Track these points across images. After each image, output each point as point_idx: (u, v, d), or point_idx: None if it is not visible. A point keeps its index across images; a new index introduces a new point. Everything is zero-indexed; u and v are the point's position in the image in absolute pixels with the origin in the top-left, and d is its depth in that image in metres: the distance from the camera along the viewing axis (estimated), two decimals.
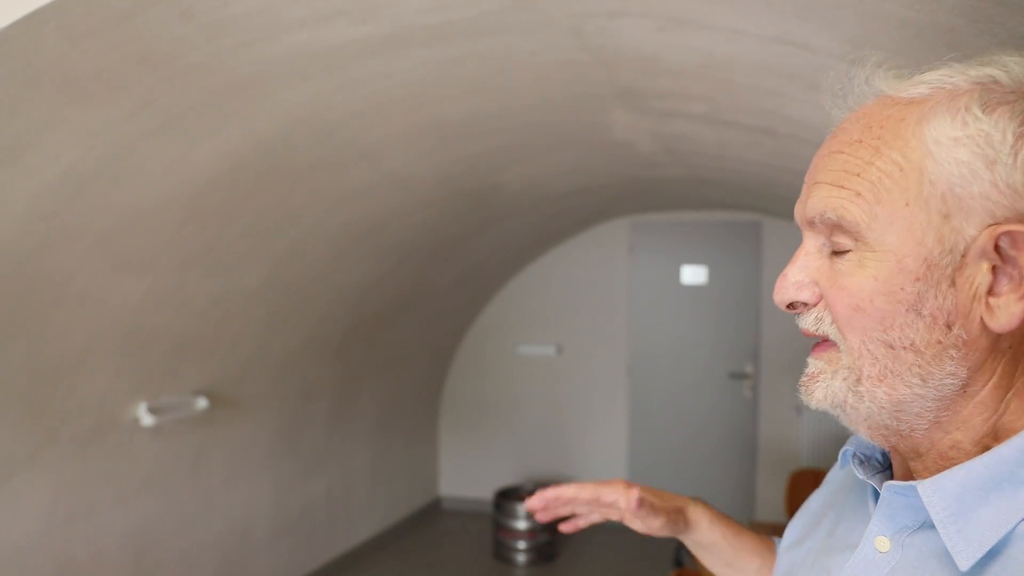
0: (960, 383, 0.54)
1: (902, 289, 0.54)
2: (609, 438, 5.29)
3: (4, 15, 1.27)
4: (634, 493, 0.88)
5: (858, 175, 0.56)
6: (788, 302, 0.62)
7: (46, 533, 2.53)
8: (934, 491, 0.55)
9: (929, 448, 0.58)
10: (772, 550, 0.91)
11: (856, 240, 0.57)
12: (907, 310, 0.54)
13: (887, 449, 0.64)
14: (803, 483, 3.45)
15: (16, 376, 2.23)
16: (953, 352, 0.53)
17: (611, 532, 5.07)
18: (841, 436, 4.81)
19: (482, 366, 5.49)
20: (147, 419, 2.75)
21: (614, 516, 0.92)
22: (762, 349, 5.00)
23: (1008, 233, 0.50)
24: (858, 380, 0.58)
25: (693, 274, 5.13)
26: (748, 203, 4.36)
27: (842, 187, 0.57)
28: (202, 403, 3.01)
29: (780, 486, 4.94)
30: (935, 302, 0.53)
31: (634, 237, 5.21)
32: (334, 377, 3.99)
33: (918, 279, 0.53)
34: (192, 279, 2.60)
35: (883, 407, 0.57)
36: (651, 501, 0.89)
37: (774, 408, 4.98)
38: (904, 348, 0.55)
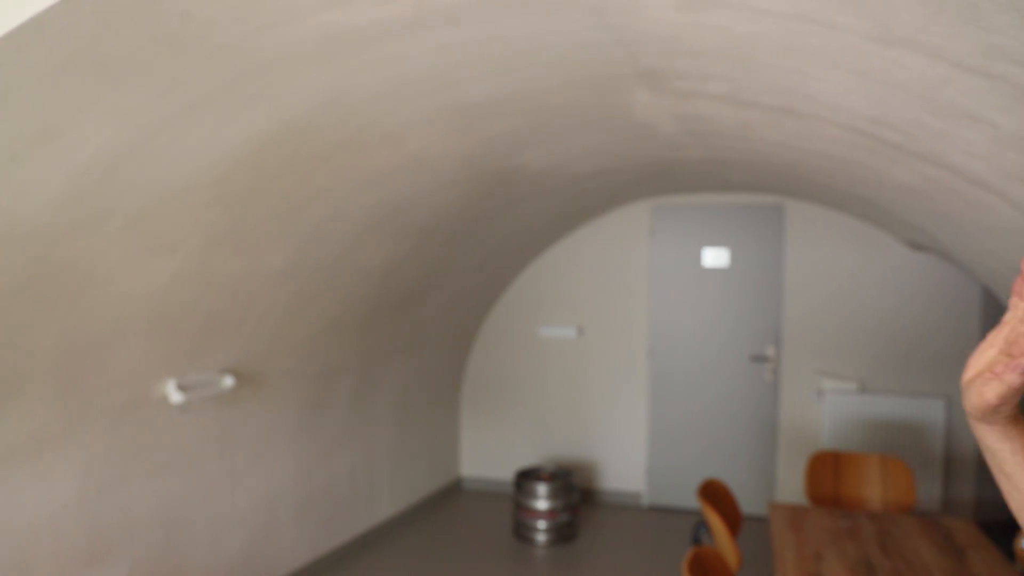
0: None
1: None
2: (629, 420, 5.31)
3: None
4: None
5: None
6: None
7: (79, 504, 2.60)
8: None
9: None
10: None
11: None
12: None
13: None
14: (823, 465, 3.45)
15: (50, 353, 2.30)
16: None
17: (630, 512, 5.10)
18: (863, 420, 4.80)
19: (503, 347, 5.53)
20: (176, 396, 2.82)
21: None
22: (783, 332, 4.99)
23: None
24: None
25: (715, 257, 5.12)
26: (771, 185, 4.33)
27: None
28: (228, 381, 3.07)
29: (800, 469, 4.94)
30: None
31: (656, 219, 5.20)
32: (357, 357, 4.05)
33: None
34: (219, 259, 2.65)
35: None
36: None
37: (795, 391, 4.98)
38: None
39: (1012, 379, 0.69)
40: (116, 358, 2.56)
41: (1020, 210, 1.96)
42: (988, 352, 0.73)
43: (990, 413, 0.73)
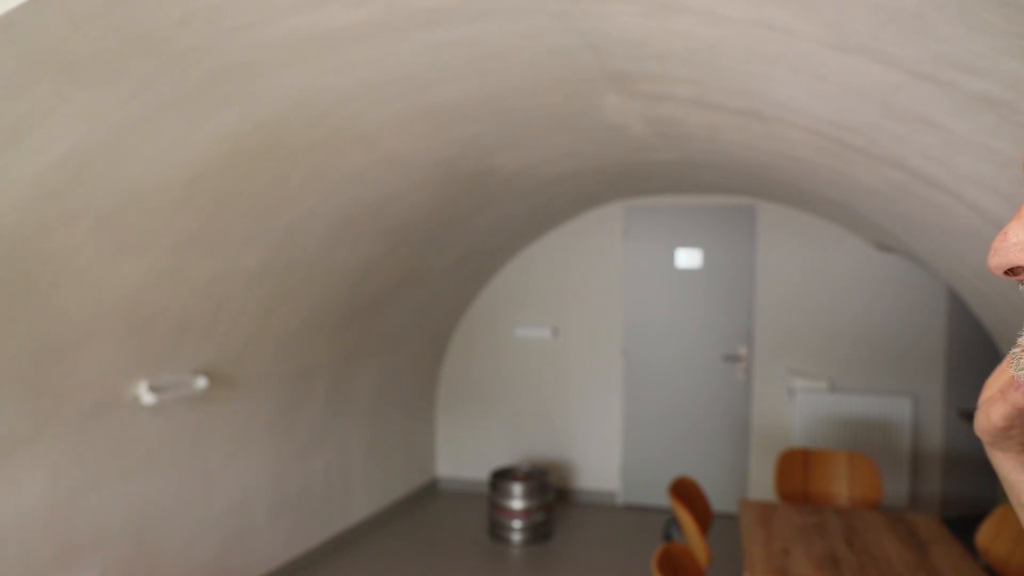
0: None
1: None
2: (604, 419, 5.36)
3: None
4: None
5: None
6: (1008, 266, 0.51)
7: (49, 509, 2.59)
8: None
9: None
10: None
11: None
12: None
13: None
14: (792, 463, 3.51)
15: (19, 354, 2.28)
16: None
17: (605, 511, 5.15)
18: (833, 419, 4.88)
19: (479, 348, 5.55)
20: (148, 397, 2.81)
21: None
22: (755, 332, 5.06)
23: None
24: None
25: (688, 258, 5.18)
26: (742, 187, 4.40)
27: None
28: (201, 382, 3.06)
29: (772, 466, 5.01)
30: None
31: (629, 221, 5.25)
32: (332, 358, 4.05)
33: None
34: (191, 260, 2.65)
35: None
36: None
37: (767, 390, 5.05)
38: None
39: (1016, 399, 0.64)
40: (87, 359, 2.55)
41: (976, 211, 2.02)
42: (1005, 374, 0.67)
43: (1000, 437, 0.68)
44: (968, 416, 4.49)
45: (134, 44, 1.56)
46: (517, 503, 4.49)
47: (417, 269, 4.25)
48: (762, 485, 5.06)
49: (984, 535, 2.83)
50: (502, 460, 5.53)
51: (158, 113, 1.88)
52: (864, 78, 1.55)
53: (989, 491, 4.80)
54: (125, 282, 2.47)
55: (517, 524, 4.50)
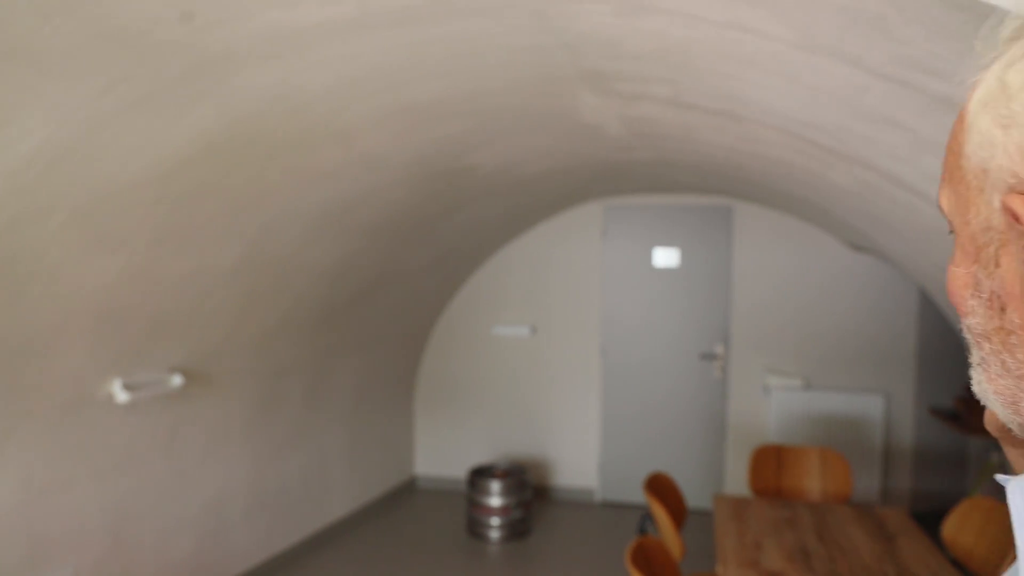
0: None
1: (967, 274, 0.52)
2: (582, 417, 5.39)
3: None
4: None
5: (947, 153, 0.53)
6: None
7: (21, 507, 2.56)
8: (1016, 489, 0.50)
9: None
10: None
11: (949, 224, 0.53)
12: (972, 295, 0.52)
13: None
14: (766, 459, 3.56)
15: None
16: (1014, 338, 0.49)
17: (583, 508, 5.18)
18: (807, 416, 4.94)
19: (457, 347, 5.56)
20: (122, 395, 2.79)
21: None
22: (732, 331, 5.11)
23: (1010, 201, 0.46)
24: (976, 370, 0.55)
25: (665, 257, 5.22)
26: (718, 187, 4.45)
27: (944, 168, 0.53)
28: (177, 380, 3.04)
29: (748, 462, 5.07)
30: (987, 283, 0.50)
31: (607, 220, 5.28)
32: (309, 356, 4.04)
33: (975, 261, 0.51)
34: (166, 257, 2.63)
35: (993, 398, 0.54)
36: None
37: (743, 388, 5.11)
38: (980, 336, 0.52)
39: None
40: (59, 357, 2.52)
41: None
42: None
43: (1006, 432, 0.66)
44: (937, 413, 4.57)
45: (107, 38, 1.56)
46: (495, 500, 4.51)
47: (395, 267, 4.25)
48: (738, 481, 5.12)
49: (950, 527, 2.88)
50: (480, 458, 5.54)
51: (132, 108, 1.87)
52: (832, 79, 1.58)
53: (958, 486, 4.89)
54: (99, 278, 2.45)
55: (495, 521, 4.52)
